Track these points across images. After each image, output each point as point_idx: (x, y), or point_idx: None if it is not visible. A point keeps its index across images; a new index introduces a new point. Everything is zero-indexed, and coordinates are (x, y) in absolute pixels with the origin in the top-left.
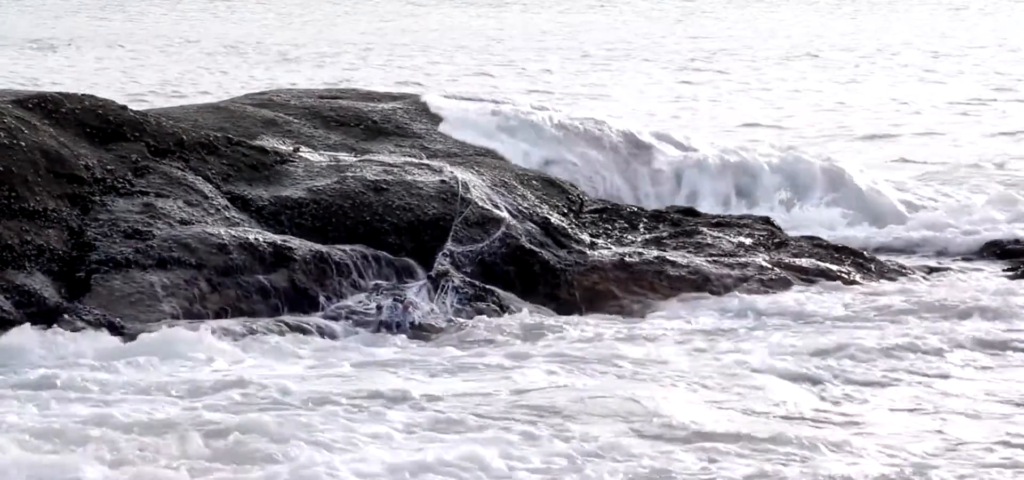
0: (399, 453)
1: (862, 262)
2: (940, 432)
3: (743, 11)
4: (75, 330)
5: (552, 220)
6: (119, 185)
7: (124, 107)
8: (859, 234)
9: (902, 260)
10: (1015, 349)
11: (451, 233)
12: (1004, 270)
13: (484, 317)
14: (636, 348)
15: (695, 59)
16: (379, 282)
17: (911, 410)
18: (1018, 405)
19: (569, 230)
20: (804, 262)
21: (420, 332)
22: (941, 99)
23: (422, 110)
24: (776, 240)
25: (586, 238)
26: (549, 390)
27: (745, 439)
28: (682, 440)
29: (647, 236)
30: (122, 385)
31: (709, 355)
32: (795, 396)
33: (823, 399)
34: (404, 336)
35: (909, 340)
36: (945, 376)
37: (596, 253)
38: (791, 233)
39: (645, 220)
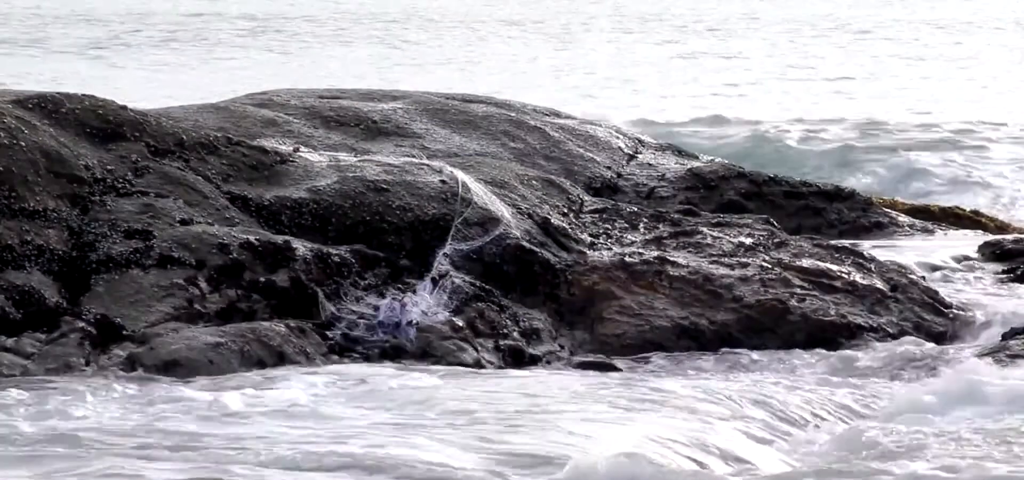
0: None
1: (862, 262)
2: None
3: None
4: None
5: (552, 220)
6: (119, 185)
7: (124, 107)
8: None
9: None
10: None
11: (451, 233)
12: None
13: None
14: None
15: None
16: (378, 282)
17: None
18: None
19: (569, 230)
20: (805, 262)
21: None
22: None
23: (422, 110)
24: (776, 240)
25: (586, 238)
26: None
27: None
28: None
29: (647, 236)
30: None
31: None
32: None
33: None
34: None
35: None
36: None
37: (596, 253)
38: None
39: (645, 220)
